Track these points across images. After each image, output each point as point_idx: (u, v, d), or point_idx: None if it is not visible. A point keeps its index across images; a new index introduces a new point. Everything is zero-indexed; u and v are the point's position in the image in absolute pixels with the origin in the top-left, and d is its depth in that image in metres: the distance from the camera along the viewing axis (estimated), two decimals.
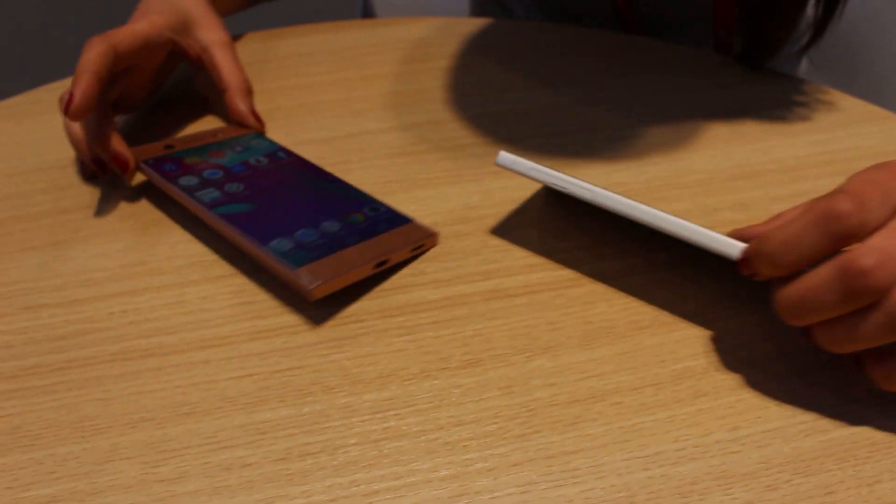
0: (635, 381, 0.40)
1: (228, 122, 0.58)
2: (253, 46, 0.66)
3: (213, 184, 0.48)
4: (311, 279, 0.41)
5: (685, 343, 0.42)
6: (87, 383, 0.40)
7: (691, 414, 0.39)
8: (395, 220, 0.48)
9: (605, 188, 0.43)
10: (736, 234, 0.43)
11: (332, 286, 0.42)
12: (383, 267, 0.45)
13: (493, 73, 0.63)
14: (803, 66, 0.83)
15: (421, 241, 0.47)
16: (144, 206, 0.51)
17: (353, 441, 0.38)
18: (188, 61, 0.57)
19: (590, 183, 0.42)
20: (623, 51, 0.66)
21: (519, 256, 0.47)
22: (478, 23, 0.70)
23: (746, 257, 0.37)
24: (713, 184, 0.52)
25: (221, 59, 0.56)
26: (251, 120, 0.55)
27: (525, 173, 0.44)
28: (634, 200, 0.41)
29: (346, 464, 0.37)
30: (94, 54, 0.48)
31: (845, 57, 0.83)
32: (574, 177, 0.43)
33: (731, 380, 0.40)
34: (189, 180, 0.48)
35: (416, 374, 0.41)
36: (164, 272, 0.46)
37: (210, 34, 0.56)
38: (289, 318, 0.44)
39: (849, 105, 0.59)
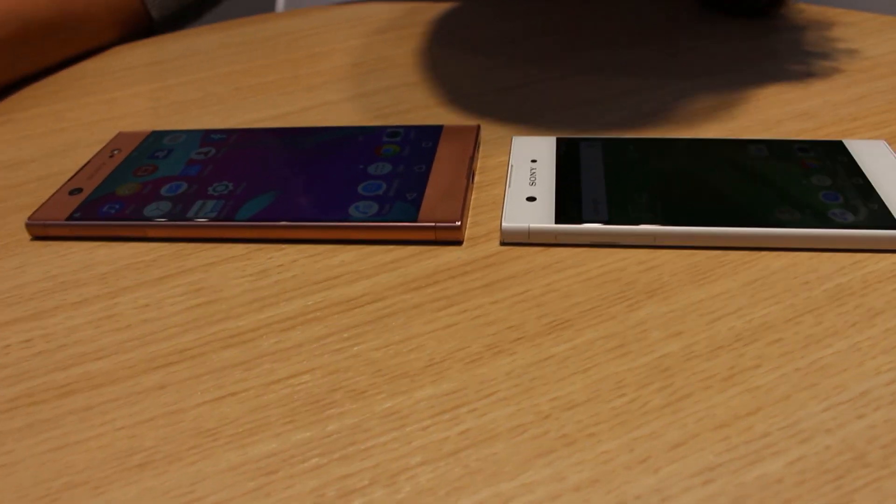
0: (785, 311, 0.27)
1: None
2: (169, 46, 0.52)
3: (194, 196, 0.33)
4: (448, 220, 0.31)
5: (821, 260, 0.29)
6: None
7: (878, 337, 0.26)
8: (431, 132, 0.38)
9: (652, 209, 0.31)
10: None
11: (466, 218, 0.33)
12: (474, 178, 0.36)
13: (457, 37, 0.50)
14: None
15: (474, 135, 0.37)
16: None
17: (417, 460, 0.23)
18: None
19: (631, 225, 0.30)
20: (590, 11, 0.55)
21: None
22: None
23: None
24: (766, 98, 0.41)
25: None
26: None
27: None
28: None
29: (416, 495, 0.22)
30: None
31: None
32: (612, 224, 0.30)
33: None
34: (159, 207, 0.33)
35: (482, 353, 0.26)
36: (82, 284, 0.30)
37: None
38: (274, 312, 0.28)
39: (860, 18, 0.50)
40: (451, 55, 0.47)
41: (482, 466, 0.22)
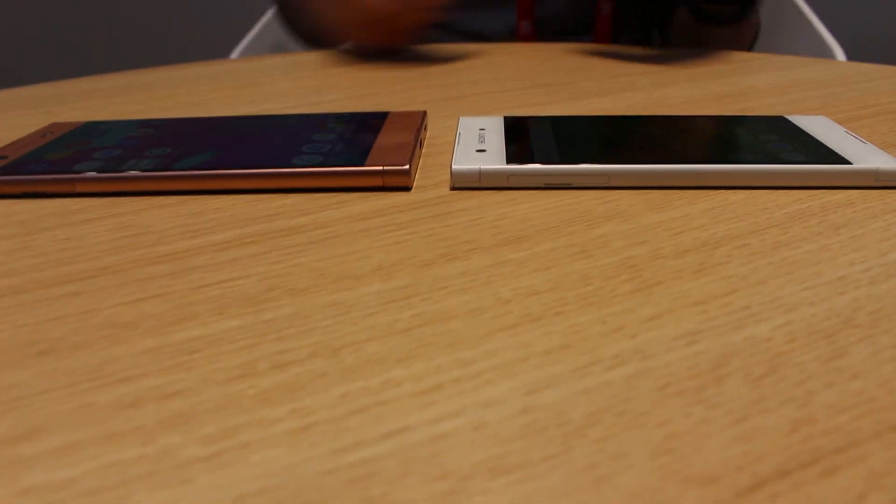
0: (749, 226, 0.25)
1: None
2: (110, 81, 0.50)
3: (129, 156, 0.31)
4: (396, 164, 0.29)
5: (778, 194, 0.28)
6: None
7: (845, 242, 0.24)
8: (376, 115, 0.36)
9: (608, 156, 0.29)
10: None
11: (414, 169, 0.31)
12: (422, 147, 0.34)
13: (403, 68, 0.50)
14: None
15: (421, 115, 0.36)
16: None
17: (365, 336, 0.19)
18: None
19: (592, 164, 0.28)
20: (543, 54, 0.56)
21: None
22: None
23: None
24: (703, 102, 0.41)
25: None
26: None
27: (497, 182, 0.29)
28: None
29: (363, 364, 0.18)
30: None
31: None
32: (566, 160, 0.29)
33: (863, 211, 0.26)
34: (91, 164, 0.30)
35: (435, 259, 0.23)
36: None
37: None
38: (208, 238, 0.25)
39: (776, 59, 0.52)
40: (396, 78, 0.47)
41: (438, 340, 0.19)
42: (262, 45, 0.78)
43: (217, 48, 1.85)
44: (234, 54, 0.75)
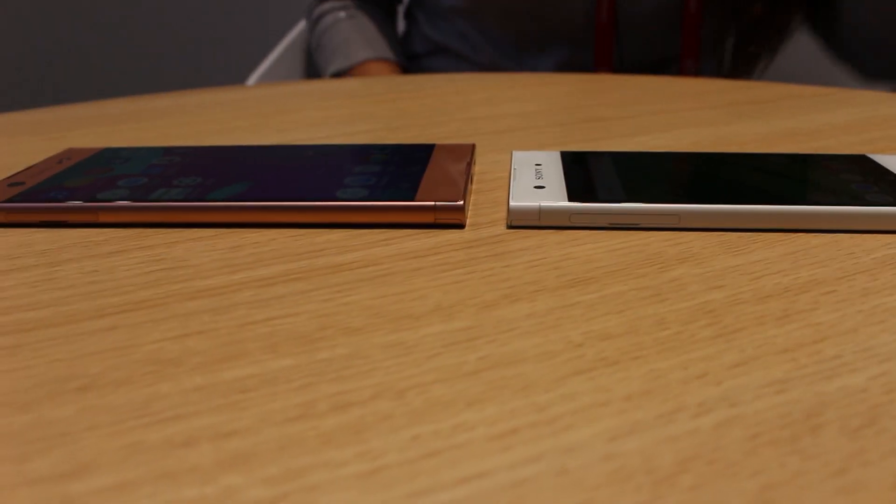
0: (834, 272, 0.27)
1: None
2: (122, 105, 0.52)
3: (157, 185, 0.33)
4: (449, 199, 0.31)
5: (864, 238, 0.29)
6: None
7: None
8: (422, 147, 0.38)
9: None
10: None
11: (467, 205, 0.32)
12: (473, 181, 0.36)
13: (436, 98, 0.52)
14: None
15: (470, 149, 0.38)
16: None
17: (430, 378, 0.21)
18: None
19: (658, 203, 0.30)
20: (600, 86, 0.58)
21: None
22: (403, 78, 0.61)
23: None
24: (774, 139, 0.43)
25: None
26: None
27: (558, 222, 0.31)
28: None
29: (431, 407, 0.19)
30: None
31: None
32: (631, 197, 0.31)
33: None
34: (115, 193, 0.32)
35: (497, 301, 0.25)
36: (15, 257, 0.29)
37: None
38: (250, 274, 0.27)
39: (854, 94, 0.54)
40: (436, 109, 0.49)
41: (509, 383, 0.20)
42: (281, 72, 0.81)
43: (230, 74, 1.90)
44: (251, 81, 0.77)
